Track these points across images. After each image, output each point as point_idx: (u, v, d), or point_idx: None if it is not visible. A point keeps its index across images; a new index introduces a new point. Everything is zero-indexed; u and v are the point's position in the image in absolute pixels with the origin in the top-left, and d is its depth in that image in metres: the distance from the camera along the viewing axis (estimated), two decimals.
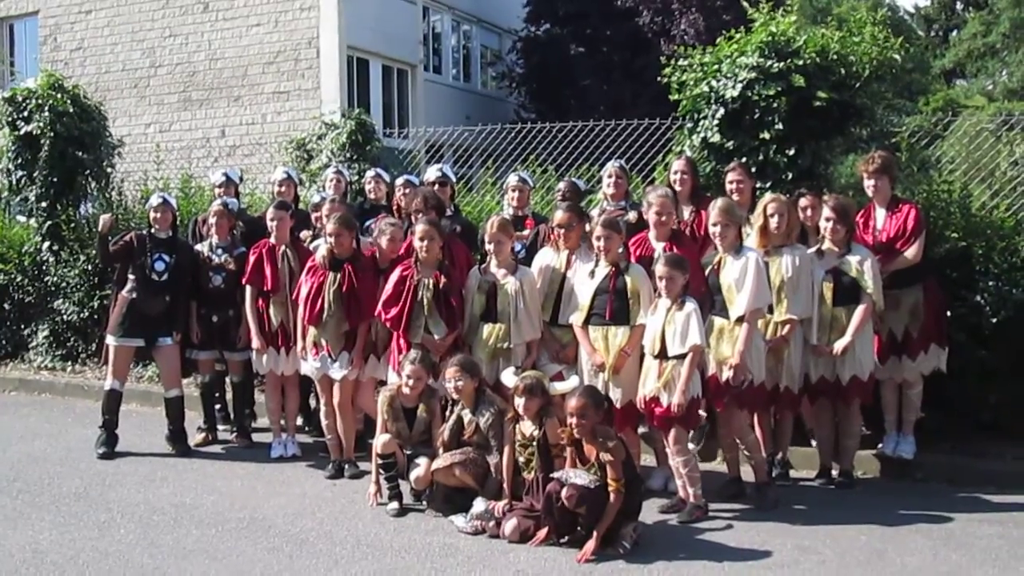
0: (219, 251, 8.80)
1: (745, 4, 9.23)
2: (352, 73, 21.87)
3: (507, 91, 28.43)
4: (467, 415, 6.90)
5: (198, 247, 8.92)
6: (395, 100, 24.12)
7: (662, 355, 6.66)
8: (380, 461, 7.08)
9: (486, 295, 7.35)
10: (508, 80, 28.38)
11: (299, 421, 9.04)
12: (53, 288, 12.27)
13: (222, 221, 8.81)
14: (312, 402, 9.13)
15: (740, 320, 6.84)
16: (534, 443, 6.56)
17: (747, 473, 7.32)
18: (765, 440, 7.53)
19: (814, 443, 7.91)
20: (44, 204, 12.30)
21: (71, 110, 12.27)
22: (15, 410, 10.78)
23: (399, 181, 9.26)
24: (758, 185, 8.18)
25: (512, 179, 8.81)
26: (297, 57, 21.09)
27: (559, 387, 6.82)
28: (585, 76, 25.74)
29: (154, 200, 8.93)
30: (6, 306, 12.80)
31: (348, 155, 11.48)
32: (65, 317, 12.16)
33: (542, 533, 6.25)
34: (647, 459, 7.71)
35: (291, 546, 6.30)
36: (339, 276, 7.72)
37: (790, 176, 8.33)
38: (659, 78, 9.25)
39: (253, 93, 21.45)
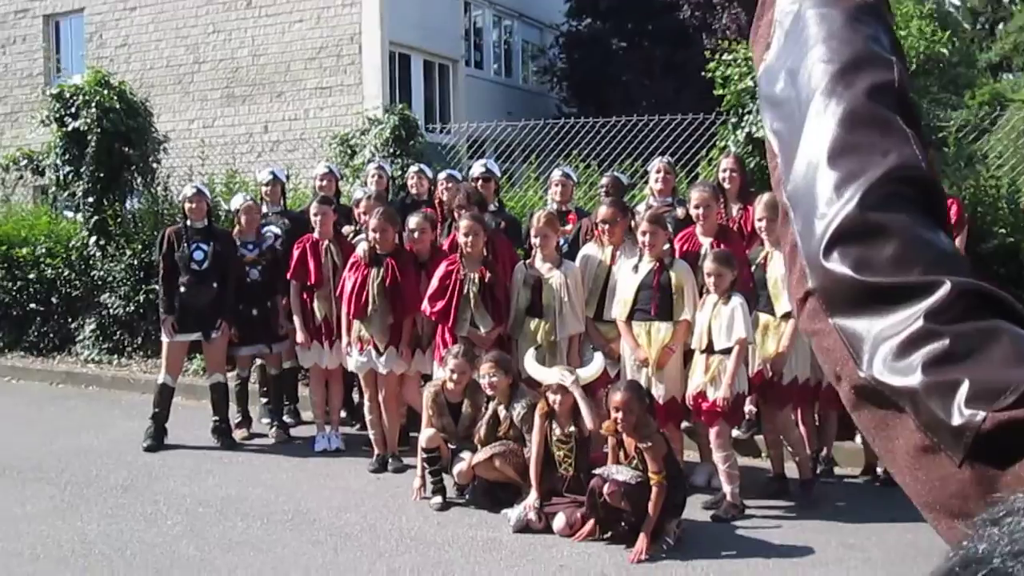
0: (249, 247, 8.88)
1: None
2: (394, 68, 21.89)
3: (548, 86, 28.37)
4: (502, 410, 6.92)
5: None
6: (436, 95, 24.11)
7: (709, 350, 6.64)
8: (424, 455, 7.10)
9: (531, 289, 7.36)
10: (549, 75, 28.31)
11: (343, 415, 9.08)
12: (100, 282, 12.40)
13: (251, 217, 8.89)
14: (355, 396, 9.18)
15: (787, 316, 6.80)
16: (572, 439, 6.56)
17: (791, 470, 7.26)
18: (809, 437, 7.48)
19: (859, 439, 7.85)
20: (91, 199, 12.42)
21: (118, 106, 12.36)
22: (62, 402, 10.91)
23: (441, 176, 9.31)
24: None
25: (556, 174, 8.83)
26: (339, 53, 21.14)
27: (584, 374, 6.77)
28: (626, 71, 25.60)
29: (188, 190, 8.99)
30: (54, 300, 12.95)
31: (391, 150, 11.50)
32: (111, 311, 12.27)
33: (586, 528, 6.25)
34: (690, 455, 7.69)
35: (335, 539, 6.34)
36: (382, 271, 7.76)
37: None
38: (702, 73, 9.22)
39: (296, 89, 21.52)
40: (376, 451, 8.05)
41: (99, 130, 12.20)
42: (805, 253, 0.94)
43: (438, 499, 7.00)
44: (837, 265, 0.90)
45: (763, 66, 1.07)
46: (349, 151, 11.99)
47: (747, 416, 7.68)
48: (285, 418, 9.26)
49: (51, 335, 13.05)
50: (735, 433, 7.33)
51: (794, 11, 1.04)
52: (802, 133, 0.97)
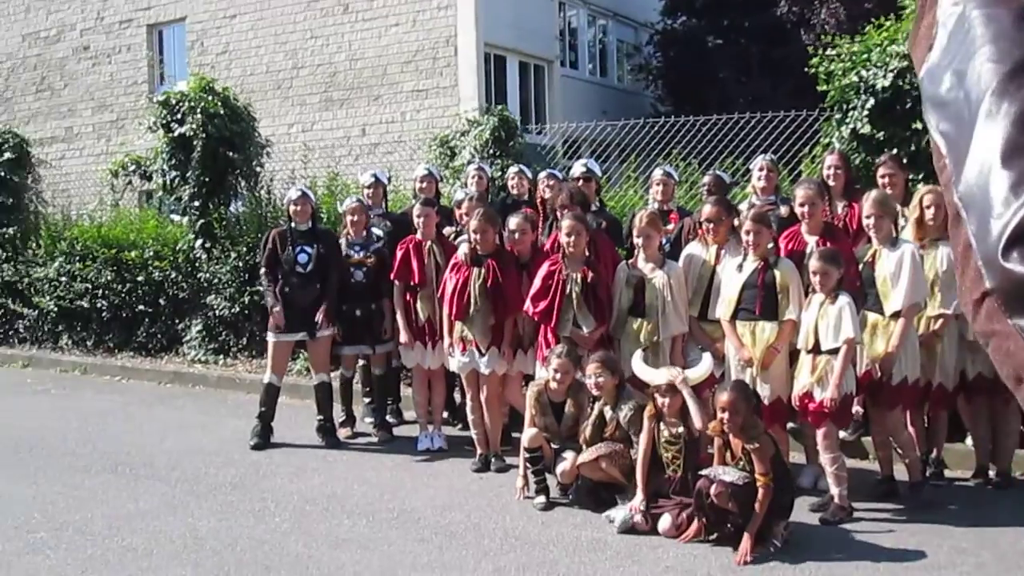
0: (356, 248, 8.95)
1: None
2: (489, 70, 21.96)
3: (643, 85, 28.24)
4: (608, 411, 6.89)
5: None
6: (532, 96, 24.15)
7: (815, 350, 6.54)
8: (527, 455, 7.11)
9: (634, 289, 7.32)
10: (644, 74, 28.18)
11: (445, 415, 9.14)
12: (205, 284, 12.64)
13: (358, 218, 8.97)
14: (457, 396, 9.24)
15: (895, 315, 6.67)
16: (681, 440, 6.52)
17: (900, 472, 7.12)
18: (919, 438, 7.34)
19: (969, 441, 7.68)
20: (197, 203, 12.67)
21: (222, 112, 12.60)
22: (171, 401, 11.17)
23: (542, 175, 9.33)
24: (911, 177, 7.97)
25: (657, 173, 8.79)
26: (435, 55, 21.28)
27: (693, 375, 6.72)
28: (722, 68, 25.39)
29: (293, 193, 9.09)
30: (161, 302, 13.24)
31: (491, 151, 11.54)
32: (217, 312, 12.51)
33: (692, 529, 6.20)
34: (797, 456, 7.59)
35: (440, 537, 6.38)
36: (483, 271, 7.79)
37: None
38: (805, 69, 9.10)
39: (392, 92, 21.72)
40: (479, 451, 8.08)
41: (204, 135, 12.44)
42: (981, 254, 0.92)
43: (542, 499, 7.00)
44: (1017, 265, 0.89)
45: (926, 67, 1.06)
46: (449, 153, 12.05)
47: (855, 417, 7.55)
48: (388, 417, 9.34)
49: (159, 336, 13.35)
50: (842, 435, 7.21)
51: (958, 12, 1.03)
52: (973, 134, 0.96)
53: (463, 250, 8.00)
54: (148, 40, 25.15)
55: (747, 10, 24.63)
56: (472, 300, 7.78)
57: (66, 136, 26.08)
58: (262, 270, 8.99)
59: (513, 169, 9.83)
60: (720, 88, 24.32)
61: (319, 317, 8.72)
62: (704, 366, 6.78)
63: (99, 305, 13.62)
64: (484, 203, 8.70)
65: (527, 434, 7.12)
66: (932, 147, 1.03)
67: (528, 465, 7.12)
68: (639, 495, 6.51)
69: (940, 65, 1.04)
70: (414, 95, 21.45)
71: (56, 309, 14.08)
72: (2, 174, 14.93)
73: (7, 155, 15.02)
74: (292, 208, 8.92)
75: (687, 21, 27.64)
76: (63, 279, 13.95)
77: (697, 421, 6.37)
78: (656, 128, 11.96)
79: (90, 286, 13.69)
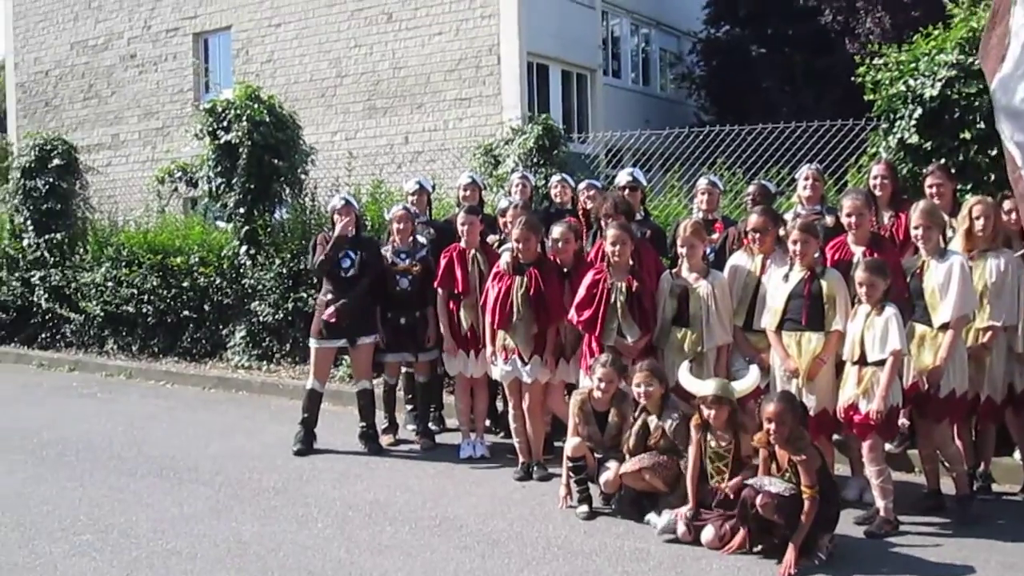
0: (402, 256, 8.97)
1: (945, 0, 8.92)
2: (532, 78, 22.02)
3: (686, 94, 28.17)
4: (653, 420, 6.86)
5: (381, 251, 9.06)
6: (574, 105, 24.18)
7: (861, 361, 6.48)
8: (570, 464, 7.09)
9: (678, 299, 7.30)
10: (688, 83, 28.11)
11: (487, 422, 9.15)
12: (250, 290, 12.72)
13: (404, 226, 8.99)
14: (499, 404, 9.24)
15: (944, 327, 6.60)
16: (729, 455, 6.47)
17: (947, 486, 7.03)
18: (965, 451, 7.24)
19: (1017, 455, 7.58)
20: (242, 210, 12.76)
21: (267, 119, 12.67)
22: (215, 407, 11.24)
23: (582, 185, 9.33)
24: (959, 187, 7.89)
25: (702, 183, 8.76)
26: (478, 64, 21.36)
27: (740, 387, 6.67)
28: (766, 78, 25.28)
29: (336, 201, 9.12)
30: (206, 307, 13.34)
31: (535, 160, 11.53)
32: (261, 318, 12.58)
33: (736, 540, 6.16)
34: (842, 468, 7.52)
35: (483, 545, 6.38)
36: (525, 280, 7.79)
37: (992, 177, 8.00)
38: (851, 78, 9.04)
39: (435, 100, 21.82)
40: (521, 459, 8.06)
41: (250, 143, 12.52)
42: None
43: (584, 508, 6.97)
44: None
45: (998, 78, 1.06)
46: (493, 161, 12.06)
47: (901, 430, 7.47)
48: (430, 425, 9.35)
49: (203, 341, 13.45)
50: (888, 447, 7.14)
51: None
52: None
53: (505, 259, 8.00)
54: (194, 48, 25.44)
55: (791, 19, 24.50)
56: (515, 309, 7.77)
57: (113, 143, 26.42)
58: (319, 262, 8.93)
59: (556, 178, 9.83)
60: (764, 97, 24.22)
61: (330, 315, 8.74)
62: (751, 378, 6.74)
63: (144, 310, 13.75)
64: (527, 211, 8.69)
65: (570, 443, 7.10)
66: (1006, 158, 1.02)
67: (571, 474, 7.10)
68: (689, 504, 6.49)
69: (1013, 76, 1.03)
70: (457, 103, 21.53)
71: (102, 314, 14.23)
72: (51, 180, 15.11)
73: (56, 162, 15.19)
74: (336, 217, 8.95)
75: (731, 30, 27.56)
76: (109, 284, 14.10)
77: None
78: (700, 137, 11.91)
79: (136, 291, 13.82)
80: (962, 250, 6.89)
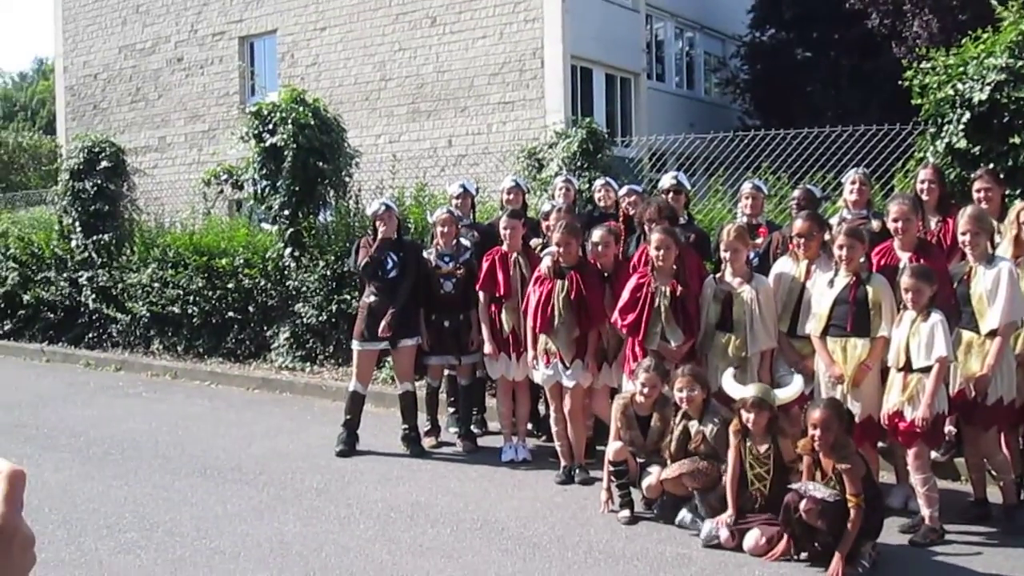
0: (445, 259, 8.99)
1: (994, 2, 8.82)
2: (576, 82, 21.98)
3: (731, 98, 28.03)
4: (694, 426, 6.83)
5: (425, 254, 9.12)
6: (618, 108, 24.11)
7: (906, 368, 6.41)
8: (611, 469, 7.08)
9: (721, 304, 7.26)
10: (732, 87, 27.97)
11: (528, 426, 9.15)
12: (294, 292, 12.79)
13: (448, 229, 9.00)
14: (542, 407, 9.24)
15: (991, 334, 6.52)
16: (770, 460, 6.43)
17: (994, 494, 6.96)
18: (1013, 460, 7.14)
19: None
20: (286, 212, 12.82)
21: (312, 122, 12.72)
22: (259, 407, 11.32)
23: (623, 191, 9.29)
24: (1007, 192, 7.80)
25: (746, 187, 8.71)
26: (522, 68, 21.35)
27: (782, 395, 6.64)
28: (811, 82, 25.07)
29: (377, 206, 9.15)
30: (250, 308, 13.43)
31: (579, 163, 11.51)
32: (305, 320, 12.64)
33: (780, 547, 6.12)
34: (886, 476, 7.45)
35: (524, 549, 6.38)
36: (566, 284, 7.78)
37: None
38: (899, 82, 8.96)
39: (479, 103, 21.84)
40: (563, 463, 8.05)
41: (295, 146, 12.58)
42: None
43: (626, 513, 6.96)
44: None
45: None
46: (536, 164, 12.06)
47: (947, 437, 7.39)
48: (472, 428, 9.37)
49: (248, 342, 13.54)
50: (934, 455, 7.06)
51: None
52: None
53: (546, 263, 8.00)
54: (240, 52, 25.62)
55: (837, 23, 24.27)
56: (556, 312, 7.77)
57: (159, 146, 26.68)
58: (363, 265, 8.95)
59: (600, 181, 9.81)
60: (809, 101, 24.02)
61: (382, 325, 8.78)
62: (794, 388, 6.69)
63: (190, 311, 13.88)
64: (570, 215, 8.69)
65: (612, 447, 7.09)
66: None
67: (612, 479, 7.09)
68: (728, 510, 6.45)
69: None
70: (500, 107, 21.54)
71: (148, 314, 14.38)
72: (99, 182, 15.27)
73: (104, 164, 15.35)
74: (378, 222, 8.98)
75: (776, 34, 27.36)
76: (155, 285, 14.24)
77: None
78: (745, 141, 11.85)
79: (181, 292, 13.95)
80: (1010, 256, 6.81)
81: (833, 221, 7.67)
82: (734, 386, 6.71)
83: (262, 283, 13.25)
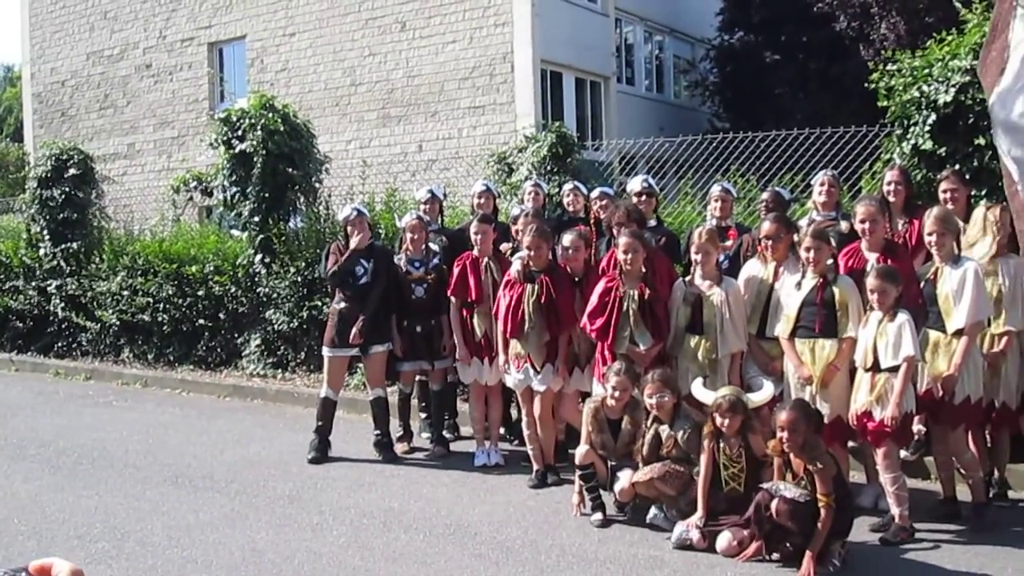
0: (416, 264, 8.99)
1: (957, 4, 8.90)
2: (546, 86, 22.05)
3: (700, 101, 28.16)
4: (665, 430, 6.85)
5: (395, 259, 9.10)
6: (588, 112, 24.19)
7: (874, 368, 6.47)
8: (579, 472, 7.10)
9: (691, 306, 7.29)
10: (701, 90, 28.09)
11: (501, 430, 9.15)
12: (265, 299, 12.74)
13: (418, 235, 9.00)
14: (514, 412, 9.24)
15: (958, 333, 6.58)
16: (743, 458, 6.47)
17: (963, 493, 7.02)
18: (981, 458, 7.21)
19: None
20: (256, 219, 12.78)
21: (282, 128, 12.69)
22: (230, 415, 11.27)
23: (594, 194, 9.31)
24: (973, 193, 7.88)
25: (715, 189, 8.76)
26: (492, 72, 21.39)
27: (755, 398, 6.69)
28: (780, 84, 25.23)
29: (348, 212, 9.12)
30: (221, 316, 13.37)
31: (548, 168, 11.52)
32: (276, 326, 12.59)
33: (751, 549, 6.15)
34: (856, 475, 7.50)
35: (497, 553, 6.38)
36: (536, 288, 7.79)
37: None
38: (866, 84, 9.02)
39: (449, 108, 21.86)
40: (535, 467, 8.05)
41: (264, 152, 12.56)
42: None
43: (598, 516, 6.97)
44: None
45: (996, 92, 1.06)
46: (507, 169, 12.07)
47: (916, 436, 7.45)
48: (445, 433, 9.37)
49: (219, 350, 13.48)
50: (903, 454, 7.11)
51: None
52: None
53: (516, 267, 8.01)
54: (209, 58, 25.55)
55: (805, 25, 24.43)
56: (526, 317, 7.78)
57: (128, 152, 26.56)
58: (334, 270, 8.92)
59: (568, 186, 9.81)
60: (777, 104, 24.18)
61: (352, 333, 8.77)
62: (765, 392, 6.74)
63: (160, 319, 13.81)
64: (539, 219, 8.70)
65: (579, 451, 7.11)
66: (1003, 173, 1.03)
67: (582, 482, 7.10)
68: (699, 512, 6.48)
69: (1012, 90, 1.04)
70: (471, 111, 21.57)
71: (118, 323, 14.30)
72: (67, 190, 15.19)
73: (72, 171, 15.27)
74: (349, 228, 8.97)
75: (744, 37, 27.51)
76: (125, 293, 14.16)
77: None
78: (714, 144, 11.90)
79: (151, 300, 13.87)
80: (993, 257, 6.88)
81: (802, 223, 7.73)
82: (704, 392, 6.74)
83: (232, 290, 13.20)
